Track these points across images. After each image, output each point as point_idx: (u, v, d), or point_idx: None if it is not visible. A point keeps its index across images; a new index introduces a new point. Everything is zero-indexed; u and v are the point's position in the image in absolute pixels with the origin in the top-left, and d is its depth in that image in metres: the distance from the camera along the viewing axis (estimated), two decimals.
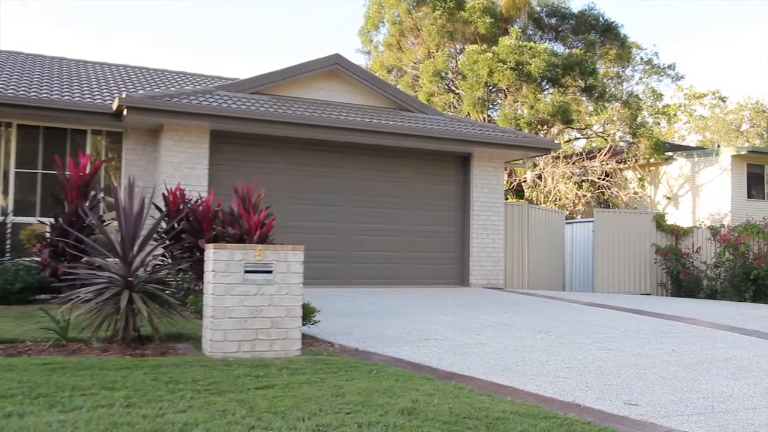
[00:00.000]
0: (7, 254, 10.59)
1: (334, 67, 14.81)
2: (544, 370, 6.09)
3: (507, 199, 23.32)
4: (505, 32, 26.72)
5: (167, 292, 6.83)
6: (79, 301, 6.37)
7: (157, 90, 14.16)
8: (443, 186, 15.60)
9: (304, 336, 6.97)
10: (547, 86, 26.58)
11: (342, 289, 13.44)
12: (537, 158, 24.47)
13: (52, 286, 9.09)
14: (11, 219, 11.77)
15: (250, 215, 6.96)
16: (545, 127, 25.91)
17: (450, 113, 24.20)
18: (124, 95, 12.08)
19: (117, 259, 6.58)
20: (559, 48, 28.01)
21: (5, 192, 12.37)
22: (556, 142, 18.50)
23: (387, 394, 4.69)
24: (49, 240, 9.55)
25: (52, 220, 9.81)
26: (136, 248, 6.61)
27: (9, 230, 11.14)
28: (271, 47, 74.43)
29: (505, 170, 21.30)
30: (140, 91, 13.72)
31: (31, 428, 3.62)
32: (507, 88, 25.79)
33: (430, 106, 18.13)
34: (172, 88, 14.61)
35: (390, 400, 4.50)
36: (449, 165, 15.70)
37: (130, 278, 6.44)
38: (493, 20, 26.30)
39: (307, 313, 6.95)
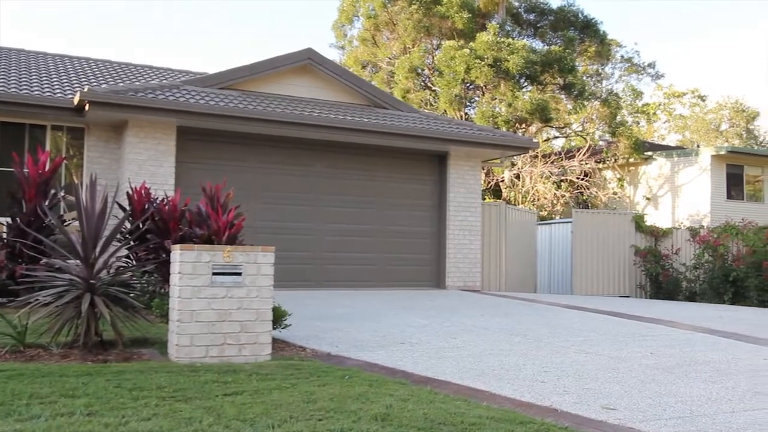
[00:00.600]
0: None
1: (307, 62, 14.61)
2: (521, 374, 6.04)
3: (484, 199, 23.26)
4: (483, 28, 26.69)
5: (131, 295, 6.68)
6: (37, 304, 6.18)
7: (121, 84, 13.83)
8: (419, 185, 15.46)
9: (275, 340, 6.85)
10: (526, 84, 26.59)
11: (314, 292, 13.28)
12: (515, 157, 24.45)
13: (9, 289, 8.75)
14: None
15: (218, 215, 6.76)
16: (523, 125, 25.92)
17: (426, 111, 24.09)
18: (86, 89, 11.76)
19: (78, 261, 6.38)
20: (538, 45, 28.08)
21: None
22: (534, 140, 18.47)
23: (360, 399, 4.65)
24: (5, 240, 9.22)
25: (9, 219, 9.45)
26: (98, 249, 6.40)
27: None
28: (240, 42, 74.00)
29: (483, 169, 21.22)
30: (103, 85, 13.40)
31: None
32: (484, 86, 25.74)
33: (405, 103, 17.99)
34: (137, 83, 14.31)
35: (363, 406, 4.45)
36: (425, 164, 15.57)
37: (92, 281, 6.25)
38: (470, 15, 26.25)
39: (278, 317, 6.80)
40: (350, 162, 14.66)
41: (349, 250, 14.48)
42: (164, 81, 14.90)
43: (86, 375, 5.13)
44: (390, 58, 29.41)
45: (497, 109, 25.94)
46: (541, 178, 25.92)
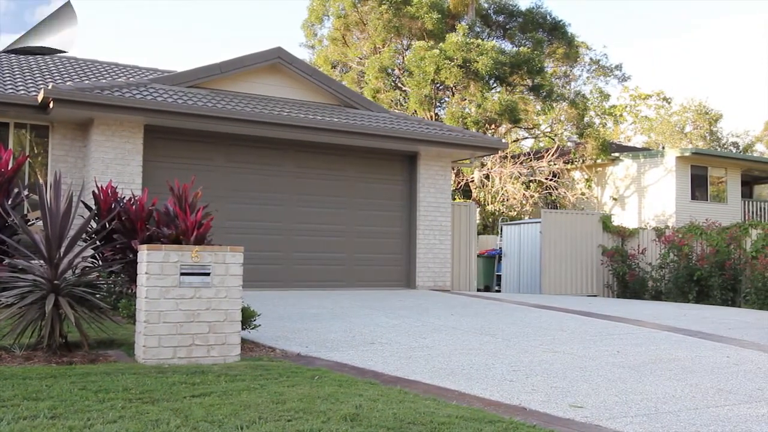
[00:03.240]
0: None
1: (276, 61, 14.53)
2: (490, 373, 6.07)
3: (454, 199, 23.35)
4: (453, 29, 26.79)
5: (97, 295, 6.57)
6: (0, 305, 6.02)
7: (86, 81, 13.55)
8: (389, 185, 15.47)
9: (244, 341, 6.80)
10: (495, 85, 26.74)
11: (284, 292, 13.21)
12: (484, 158, 24.59)
13: None
14: None
15: (186, 215, 6.66)
16: (493, 126, 26.08)
17: (396, 111, 24.11)
18: (50, 86, 11.55)
19: (42, 261, 6.25)
20: (507, 46, 28.23)
21: None
22: (503, 141, 18.56)
23: (330, 400, 4.64)
24: None
25: None
26: (63, 249, 6.29)
27: None
28: (208, 43, 73.41)
29: (453, 170, 21.28)
30: (68, 83, 13.13)
31: None
32: (454, 86, 25.85)
33: (375, 103, 17.97)
34: (103, 80, 14.07)
35: (333, 406, 4.45)
36: (395, 164, 15.58)
37: (56, 281, 6.14)
38: (440, 16, 26.32)
39: (247, 317, 6.75)
40: (321, 162, 14.62)
41: (320, 250, 14.43)
42: (131, 79, 14.65)
43: (50, 377, 5.05)
44: (360, 58, 29.38)
45: (467, 109, 26.06)
46: (511, 178, 26.10)
